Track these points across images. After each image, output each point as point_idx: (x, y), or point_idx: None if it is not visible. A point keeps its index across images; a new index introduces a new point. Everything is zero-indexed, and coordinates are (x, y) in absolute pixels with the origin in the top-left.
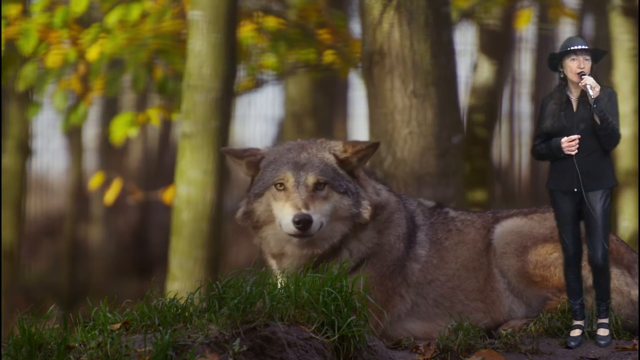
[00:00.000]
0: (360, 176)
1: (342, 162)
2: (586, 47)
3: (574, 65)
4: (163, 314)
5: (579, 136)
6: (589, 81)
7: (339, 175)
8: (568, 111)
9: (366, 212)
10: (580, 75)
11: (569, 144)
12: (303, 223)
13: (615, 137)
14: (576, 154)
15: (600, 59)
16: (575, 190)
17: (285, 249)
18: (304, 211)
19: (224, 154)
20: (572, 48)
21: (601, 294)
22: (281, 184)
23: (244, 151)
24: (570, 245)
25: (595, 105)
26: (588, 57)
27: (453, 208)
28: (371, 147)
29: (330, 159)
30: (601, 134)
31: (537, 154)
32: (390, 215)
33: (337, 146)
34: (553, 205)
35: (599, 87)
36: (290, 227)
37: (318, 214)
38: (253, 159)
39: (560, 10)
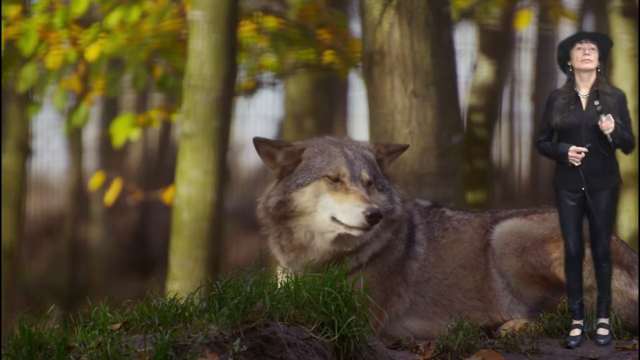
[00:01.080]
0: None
1: (379, 162)
2: (591, 33)
3: (580, 54)
4: (163, 314)
5: (587, 151)
6: (605, 127)
7: (377, 173)
8: (577, 108)
9: (399, 208)
10: (599, 112)
11: (575, 155)
12: (375, 217)
13: (632, 143)
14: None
15: (608, 50)
16: (583, 189)
17: (313, 242)
18: (374, 206)
19: (258, 142)
20: (577, 34)
21: (601, 290)
22: (336, 177)
23: (280, 142)
24: (572, 245)
25: (614, 135)
26: (594, 46)
27: (449, 207)
28: (402, 150)
29: (372, 157)
30: (621, 147)
31: (541, 150)
32: (407, 214)
33: (370, 146)
34: (557, 203)
35: (613, 122)
36: (360, 220)
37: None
38: (293, 149)
39: (560, 11)
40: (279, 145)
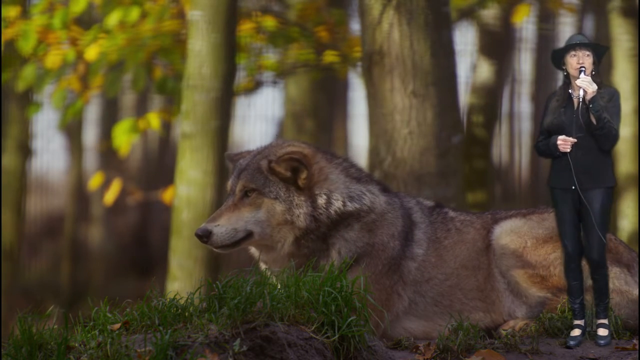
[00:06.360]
0: (318, 181)
1: (271, 170)
2: (586, 42)
3: (574, 61)
4: (163, 314)
5: (575, 140)
6: (583, 84)
7: (269, 181)
8: (568, 108)
9: (299, 220)
10: (580, 70)
11: (564, 142)
12: (199, 237)
13: (611, 138)
14: (574, 151)
15: (604, 54)
16: (573, 187)
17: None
18: (207, 225)
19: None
20: (571, 43)
21: (598, 293)
22: (227, 190)
23: (235, 155)
24: (570, 246)
25: (591, 105)
26: (589, 53)
27: (452, 208)
28: (292, 161)
29: (265, 165)
30: (597, 133)
31: (538, 150)
32: (381, 215)
33: (278, 153)
34: (553, 203)
35: (595, 87)
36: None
37: (233, 224)
38: (229, 157)
39: (559, 4)
40: (232, 159)
